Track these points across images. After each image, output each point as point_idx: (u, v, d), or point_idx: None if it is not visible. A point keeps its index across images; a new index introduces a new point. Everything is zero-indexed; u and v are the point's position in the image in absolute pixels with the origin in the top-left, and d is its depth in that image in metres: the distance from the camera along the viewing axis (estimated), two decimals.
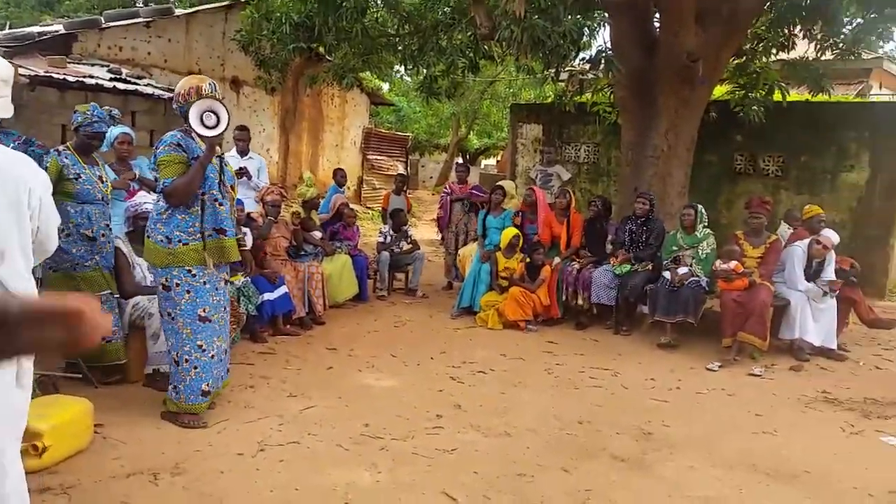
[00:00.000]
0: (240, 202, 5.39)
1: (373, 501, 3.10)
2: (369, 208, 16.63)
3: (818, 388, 5.08)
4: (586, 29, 7.39)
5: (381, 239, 8.08)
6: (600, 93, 9.58)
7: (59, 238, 3.85)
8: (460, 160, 22.81)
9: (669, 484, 3.41)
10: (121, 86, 8.92)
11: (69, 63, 9.27)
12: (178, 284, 3.76)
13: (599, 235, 7.12)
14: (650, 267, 6.50)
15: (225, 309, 4.00)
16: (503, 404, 4.50)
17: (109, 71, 9.64)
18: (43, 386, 3.69)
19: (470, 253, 7.67)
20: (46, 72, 8.17)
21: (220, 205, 3.86)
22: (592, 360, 5.64)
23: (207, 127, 3.69)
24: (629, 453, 3.78)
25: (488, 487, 3.28)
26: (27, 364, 2.25)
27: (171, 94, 9.67)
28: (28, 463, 3.08)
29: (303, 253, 6.74)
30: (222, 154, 3.97)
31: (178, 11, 12.79)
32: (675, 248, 6.41)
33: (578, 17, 7.43)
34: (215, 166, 3.85)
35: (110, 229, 4.51)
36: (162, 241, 3.74)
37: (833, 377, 5.41)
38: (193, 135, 3.80)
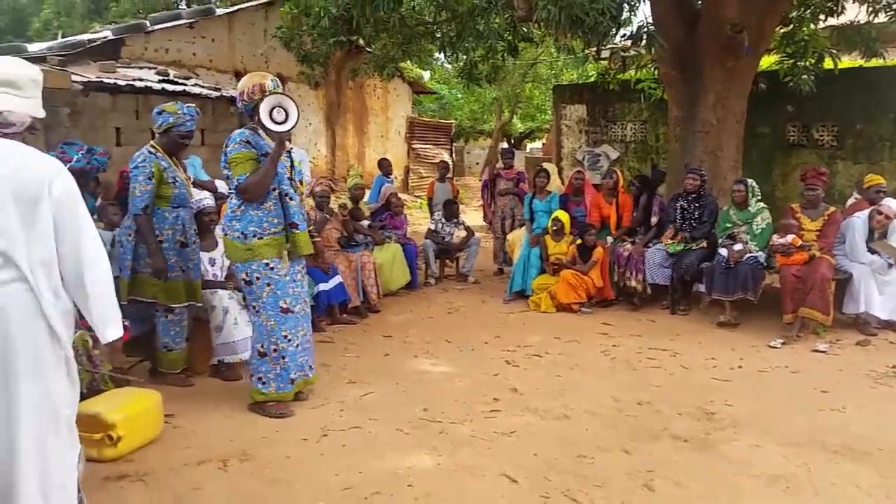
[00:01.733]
0: None
1: (435, 484, 3.13)
2: (417, 197, 16.70)
3: (888, 363, 4.90)
4: (626, 4, 7.23)
5: (432, 226, 8.13)
6: (644, 69, 9.40)
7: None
8: (505, 145, 22.70)
9: (735, 463, 3.36)
10: (169, 87, 9.12)
11: (118, 67, 9.53)
12: (258, 278, 3.84)
13: (645, 214, 7.01)
14: (705, 244, 6.38)
15: (304, 300, 4.08)
16: (560, 387, 4.49)
17: (157, 73, 9.87)
18: (115, 380, 3.82)
19: (518, 237, 7.65)
20: (98, 77, 8.41)
21: (290, 199, 3.90)
22: (650, 341, 5.57)
23: (277, 122, 3.73)
24: (691, 433, 3.73)
25: (548, 469, 3.29)
26: (73, 359, 2.37)
27: (217, 94, 9.90)
28: (104, 452, 3.23)
29: (354, 243, 6.82)
30: (290, 149, 3.99)
31: (220, 11, 13.02)
32: (728, 224, 6.28)
33: None
34: (284, 161, 3.89)
35: (197, 234, 4.52)
36: (238, 237, 3.82)
37: None
38: (260, 131, 3.87)
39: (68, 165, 3.99)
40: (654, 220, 6.85)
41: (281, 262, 3.87)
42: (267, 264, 3.84)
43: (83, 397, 3.33)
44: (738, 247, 5.99)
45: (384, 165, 8.77)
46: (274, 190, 3.85)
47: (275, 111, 3.74)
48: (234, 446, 3.51)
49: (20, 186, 2.21)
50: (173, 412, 3.85)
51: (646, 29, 7.02)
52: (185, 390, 4.32)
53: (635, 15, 9.27)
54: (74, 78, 7.87)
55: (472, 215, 13.89)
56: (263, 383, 3.92)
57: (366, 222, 7.19)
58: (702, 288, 6.27)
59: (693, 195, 6.57)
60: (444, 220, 8.09)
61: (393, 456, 3.43)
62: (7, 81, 2.27)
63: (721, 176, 7.34)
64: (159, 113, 4.30)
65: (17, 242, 2.20)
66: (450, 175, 9.37)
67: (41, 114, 2.37)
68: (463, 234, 8.11)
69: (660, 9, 7.51)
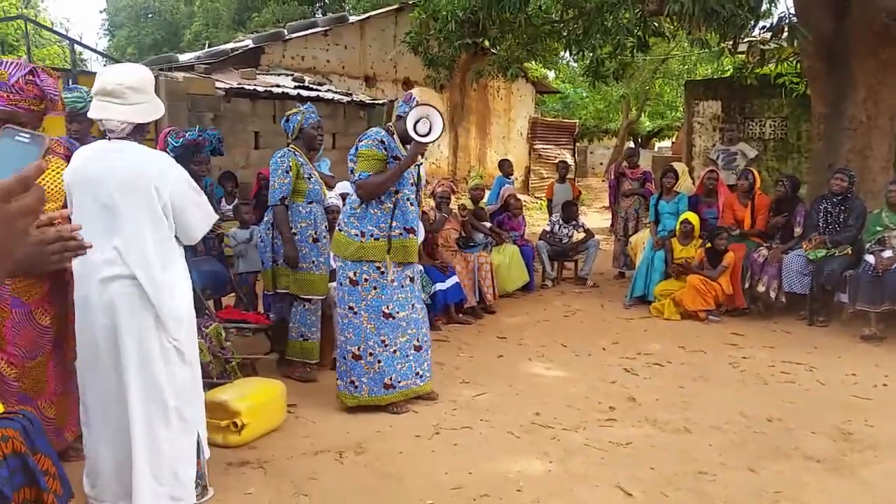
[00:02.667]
0: None
1: (545, 490, 3.09)
2: (537, 198, 16.58)
3: None
4: None
5: (547, 228, 8.04)
6: (785, 62, 8.81)
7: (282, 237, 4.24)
8: (631, 144, 22.05)
9: (874, 489, 3.07)
10: (304, 93, 9.59)
11: (258, 74, 10.15)
12: (366, 280, 3.85)
13: (786, 219, 6.54)
14: (849, 251, 5.87)
15: (413, 306, 4.01)
16: (682, 399, 4.29)
17: (294, 79, 10.42)
18: (243, 369, 4.06)
19: (642, 240, 7.40)
20: (239, 84, 8.99)
21: (412, 204, 3.93)
22: (784, 354, 5.20)
23: (420, 134, 3.75)
24: (826, 454, 3.45)
25: (666, 484, 3.15)
26: (189, 345, 2.51)
27: (348, 99, 10.29)
28: (229, 438, 3.43)
29: (472, 244, 6.87)
30: (421, 163, 4.01)
31: (353, 18, 13.52)
32: (879, 228, 5.75)
33: None
34: (413, 169, 3.92)
35: (328, 230, 4.59)
36: (355, 235, 3.86)
37: None
38: (395, 137, 3.89)
39: (181, 141, 4.34)
40: (797, 230, 6.36)
41: (386, 265, 3.88)
42: (378, 267, 3.86)
43: (214, 385, 3.58)
44: (887, 253, 5.48)
45: (505, 166, 8.77)
46: (397, 192, 3.88)
47: (420, 123, 3.76)
48: (350, 439, 3.62)
49: (130, 186, 2.41)
50: (296, 402, 4.03)
51: (788, 20, 6.58)
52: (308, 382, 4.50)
53: (776, 5, 8.73)
54: (218, 85, 8.45)
55: (592, 217, 13.62)
56: (356, 387, 3.91)
57: (487, 224, 7.22)
58: (844, 298, 5.78)
59: (839, 197, 6.07)
60: (562, 221, 7.96)
61: (503, 458, 3.41)
62: (104, 91, 2.47)
63: (870, 177, 6.75)
64: (287, 120, 4.56)
65: (129, 240, 2.39)
66: (570, 176, 9.21)
67: (144, 119, 2.53)
68: (581, 235, 7.94)
69: None
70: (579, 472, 3.27)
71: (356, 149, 3.90)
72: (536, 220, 12.54)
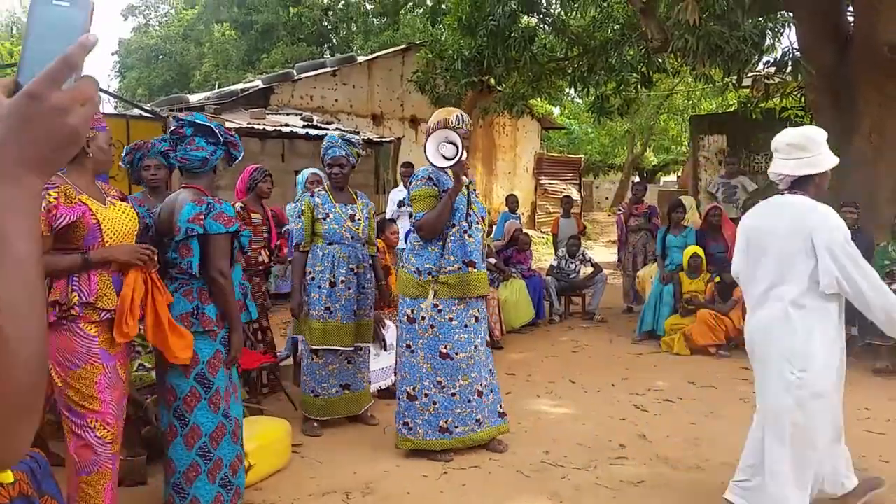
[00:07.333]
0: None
1: None
2: (544, 233, 16.61)
3: None
4: (769, 31, 6.92)
5: (554, 263, 8.03)
6: (790, 97, 8.88)
7: (305, 281, 4.16)
8: (637, 178, 22.12)
9: None
10: (313, 132, 9.71)
11: (268, 114, 10.28)
12: (423, 318, 3.71)
13: None
14: None
15: (476, 347, 3.82)
16: (693, 435, 4.23)
17: (302, 119, 10.55)
18: (249, 409, 4.03)
19: (650, 274, 7.38)
20: (249, 123, 9.11)
21: (470, 236, 3.77)
22: None
23: (446, 158, 3.61)
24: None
25: None
26: (820, 382, 2.91)
27: (356, 138, 10.41)
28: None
29: None
30: (471, 184, 3.89)
31: (361, 59, 13.73)
32: (886, 262, 5.71)
33: (759, 19, 6.99)
34: (464, 196, 3.80)
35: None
36: (414, 272, 3.76)
37: None
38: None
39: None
40: None
41: (453, 303, 3.74)
42: (435, 305, 3.71)
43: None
44: None
45: (510, 201, 8.82)
46: (453, 227, 3.74)
47: (442, 146, 3.64)
48: (358, 479, 3.57)
49: (790, 234, 2.79)
50: (301, 442, 4.00)
51: (791, 55, 6.65)
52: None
53: (779, 41, 8.87)
54: (227, 125, 8.56)
55: (599, 251, 13.60)
56: (410, 429, 3.77)
57: (492, 259, 7.22)
58: (854, 331, 5.72)
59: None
60: (568, 256, 7.96)
61: (513, 499, 3.36)
62: (773, 148, 2.98)
63: (877, 210, 6.73)
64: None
65: (784, 280, 2.82)
66: (575, 210, 9.25)
67: (793, 172, 2.88)
68: (589, 270, 7.93)
69: (807, 33, 7.09)
70: None
71: (408, 192, 3.86)
72: (543, 255, 12.53)
